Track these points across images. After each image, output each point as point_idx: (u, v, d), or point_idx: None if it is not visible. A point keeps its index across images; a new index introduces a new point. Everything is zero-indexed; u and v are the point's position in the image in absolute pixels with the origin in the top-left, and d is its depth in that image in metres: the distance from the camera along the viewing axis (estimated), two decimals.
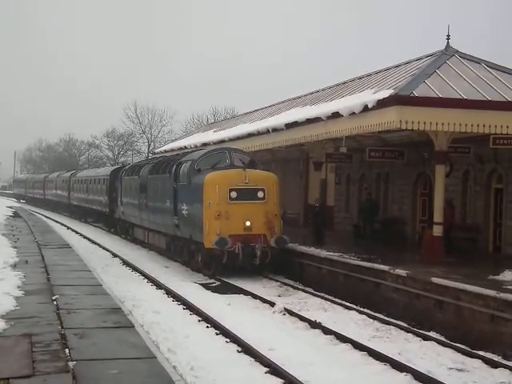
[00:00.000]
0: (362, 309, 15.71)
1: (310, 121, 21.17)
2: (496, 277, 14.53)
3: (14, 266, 17.90)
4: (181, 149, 36.56)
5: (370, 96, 17.90)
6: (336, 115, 19.14)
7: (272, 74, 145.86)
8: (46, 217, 51.51)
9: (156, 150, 51.87)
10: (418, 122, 16.36)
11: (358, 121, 18.05)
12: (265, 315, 15.03)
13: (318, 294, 17.75)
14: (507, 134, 16.83)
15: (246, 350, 11.55)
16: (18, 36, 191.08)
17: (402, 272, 15.46)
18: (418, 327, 13.91)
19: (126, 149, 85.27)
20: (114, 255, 26.07)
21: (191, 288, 18.79)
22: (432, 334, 13.34)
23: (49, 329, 10.65)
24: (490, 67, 18.89)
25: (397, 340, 12.88)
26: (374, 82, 20.84)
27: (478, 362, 11.34)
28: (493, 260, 18.84)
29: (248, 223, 20.13)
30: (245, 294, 17.69)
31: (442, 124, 16.45)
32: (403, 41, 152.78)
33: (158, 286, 18.79)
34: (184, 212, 22.02)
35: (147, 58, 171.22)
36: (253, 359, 11.06)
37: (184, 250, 23.28)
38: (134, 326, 11.18)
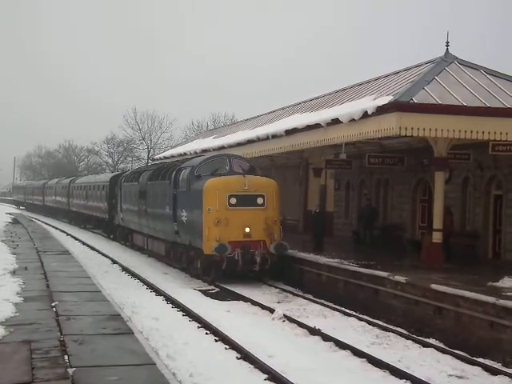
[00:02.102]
0: (361, 315, 15.70)
1: (309, 127, 21.21)
2: (495, 283, 14.53)
3: (14, 273, 17.89)
4: (180, 155, 36.60)
5: (369, 102, 17.94)
6: (336, 122, 19.19)
7: (272, 78, 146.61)
8: (45, 223, 51.48)
9: (156, 157, 51.92)
10: (418, 129, 16.41)
11: (357, 127, 18.09)
12: (264, 322, 15.01)
13: (318, 300, 17.74)
14: (506, 140, 16.88)
15: (246, 356, 11.53)
16: (18, 39, 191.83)
17: (401, 278, 15.46)
18: (417, 334, 13.89)
19: (125, 155, 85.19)
20: (114, 261, 26.05)
21: (190, 294, 18.77)
22: (431, 340, 13.32)
23: (48, 335, 10.63)
24: (489, 74, 18.96)
25: (396, 347, 12.86)
26: (374, 88, 20.90)
27: (477, 369, 11.31)
28: (492, 266, 18.84)
29: (247, 229, 20.12)
30: (244, 301, 17.67)
31: (442, 130, 16.50)
32: (402, 42, 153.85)
33: (158, 292, 18.78)
34: (183, 218, 22.02)
35: (147, 65, 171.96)
36: (252, 366, 11.04)
37: (183, 257, 23.26)
38: (133, 333, 11.17)
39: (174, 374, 9.38)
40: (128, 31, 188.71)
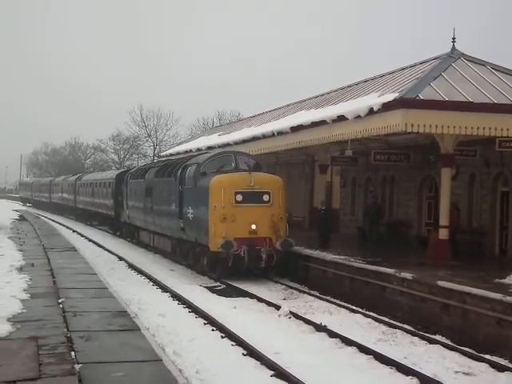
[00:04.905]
0: (367, 312, 15.69)
1: (315, 124, 21.18)
2: (502, 280, 14.49)
3: (21, 269, 17.95)
4: (186, 152, 36.62)
5: (375, 99, 17.90)
6: (341, 118, 19.15)
7: (273, 76, 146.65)
8: (51, 220, 51.64)
9: (161, 154, 51.97)
10: (424, 125, 16.35)
11: (363, 124, 18.05)
12: (270, 318, 15.01)
13: (324, 297, 17.73)
14: None
15: (252, 353, 11.53)
16: (18, 39, 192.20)
17: (407, 275, 15.43)
18: (423, 331, 13.86)
19: (131, 152, 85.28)
20: (120, 258, 26.11)
21: (196, 291, 18.79)
22: (438, 337, 13.30)
23: (55, 331, 10.66)
24: (495, 70, 18.88)
25: (402, 343, 12.84)
26: (380, 85, 20.85)
27: (484, 366, 11.28)
28: (499, 263, 18.76)
29: (253, 226, 20.12)
30: (250, 298, 17.68)
31: (448, 127, 16.44)
32: (403, 41, 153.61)
33: (164, 289, 18.81)
34: (189, 215, 22.04)
35: (153, 62, 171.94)
36: (258, 362, 11.05)
37: (189, 253, 23.29)
38: (139, 329, 11.19)
39: (180, 371, 9.37)
40: (128, 31, 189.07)
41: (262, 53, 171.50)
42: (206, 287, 19.65)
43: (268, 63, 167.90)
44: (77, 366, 8.62)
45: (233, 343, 12.38)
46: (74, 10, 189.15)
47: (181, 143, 52.33)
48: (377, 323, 14.53)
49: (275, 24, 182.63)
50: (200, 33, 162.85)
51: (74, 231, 40.29)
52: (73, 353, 9.37)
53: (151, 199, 27.45)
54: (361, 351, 11.92)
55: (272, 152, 26.52)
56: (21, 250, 23.19)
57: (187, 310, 15.82)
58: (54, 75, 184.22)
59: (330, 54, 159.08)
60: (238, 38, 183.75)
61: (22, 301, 13.15)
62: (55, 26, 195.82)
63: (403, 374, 10.64)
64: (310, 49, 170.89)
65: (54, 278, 17.05)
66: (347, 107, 19.48)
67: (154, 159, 71.97)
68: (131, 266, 23.78)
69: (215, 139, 35.10)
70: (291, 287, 19.33)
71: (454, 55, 19.72)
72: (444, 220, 18.04)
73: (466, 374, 10.95)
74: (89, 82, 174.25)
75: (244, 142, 28.19)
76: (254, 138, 26.97)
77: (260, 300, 17.15)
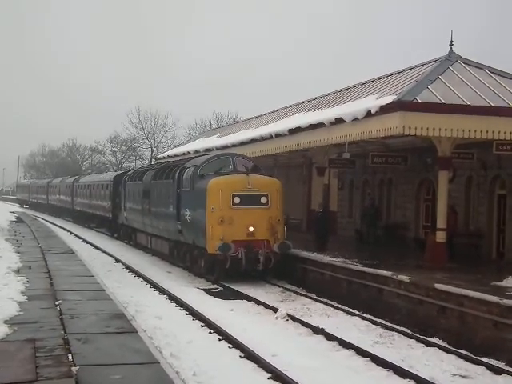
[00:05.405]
0: (364, 315, 15.69)
1: (313, 126, 21.21)
2: (499, 283, 14.51)
3: (18, 271, 17.94)
4: (184, 154, 36.61)
5: (373, 102, 17.93)
6: (339, 121, 19.18)
7: (273, 76, 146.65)
8: (49, 222, 51.58)
9: (159, 156, 51.93)
10: (421, 128, 16.37)
11: (361, 126, 18.07)
12: (267, 321, 15.01)
13: (321, 299, 17.73)
14: (510, 139, 16.85)
15: (249, 355, 11.54)
16: (18, 39, 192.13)
17: (404, 278, 15.45)
18: (421, 333, 13.87)
19: (129, 154, 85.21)
20: (117, 260, 26.09)
21: (194, 293, 18.79)
22: (435, 340, 13.31)
23: (52, 334, 10.66)
24: (492, 73, 18.92)
25: (400, 346, 12.85)
26: (377, 87, 20.88)
27: (481, 369, 11.29)
28: (496, 266, 18.82)
29: (251, 229, 20.13)
30: (247, 300, 17.67)
31: (445, 130, 16.47)
32: (403, 41, 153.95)
33: (161, 291, 18.79)
34: (187, 217, 22.03)
35: (153, 62, 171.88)
36: (255, 365, 11.05)
37: (187, 256, 23.28)
38: (136, 332, 11.19)
39: (177, 373, 9.38)
40: (128, 31, 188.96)
41: (262, 53, 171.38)
42: (203, 289, 19.64)
43: (268, 63, 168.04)
44: (74, 369, 8.62)
45: (230, 346, 12.38)
46: (74, 10, 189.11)
47: (178, 145, 52.33)
48: (374, 326, 14.53)
49: (275, 24, 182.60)
50: (200, 33, 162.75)
51: (71, 233, 40.25)
52: (70, 355, 9.37)
53: (149, 201, 27.45)
54: (358, 354, 11.93)
55: (270, 154, 26.53)
56: (18, 252, 23.17)
57: (184, 312, 15.81)
58: (54, 75, 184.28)
59: (329, 54, 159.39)
60: (238, 38, 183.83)
61: (20, 303, 13.14)
62: (55, 26, 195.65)
63: (400, 376, 10.65)
64: (309, 49, 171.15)
65: (51, 280, 17.03)
66: (345, 110, 19.50)
67: (151, 161, 71.93)
68: (128, 268, 23.76)
69: (213, 141, 35.11)
70: (289, 289, 19.33)
71: (452, 58, 19.76)
72: (441, 223, 18.06)
73: (463, 376, 10.96)
74: (89, 82, 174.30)
75: (242, 144, 28.20)
76: (253, 140, 26.98)
77: (257, 302, 17.15)
